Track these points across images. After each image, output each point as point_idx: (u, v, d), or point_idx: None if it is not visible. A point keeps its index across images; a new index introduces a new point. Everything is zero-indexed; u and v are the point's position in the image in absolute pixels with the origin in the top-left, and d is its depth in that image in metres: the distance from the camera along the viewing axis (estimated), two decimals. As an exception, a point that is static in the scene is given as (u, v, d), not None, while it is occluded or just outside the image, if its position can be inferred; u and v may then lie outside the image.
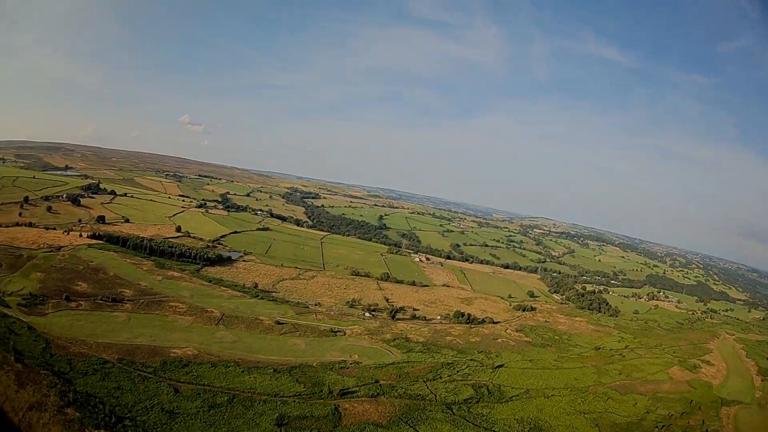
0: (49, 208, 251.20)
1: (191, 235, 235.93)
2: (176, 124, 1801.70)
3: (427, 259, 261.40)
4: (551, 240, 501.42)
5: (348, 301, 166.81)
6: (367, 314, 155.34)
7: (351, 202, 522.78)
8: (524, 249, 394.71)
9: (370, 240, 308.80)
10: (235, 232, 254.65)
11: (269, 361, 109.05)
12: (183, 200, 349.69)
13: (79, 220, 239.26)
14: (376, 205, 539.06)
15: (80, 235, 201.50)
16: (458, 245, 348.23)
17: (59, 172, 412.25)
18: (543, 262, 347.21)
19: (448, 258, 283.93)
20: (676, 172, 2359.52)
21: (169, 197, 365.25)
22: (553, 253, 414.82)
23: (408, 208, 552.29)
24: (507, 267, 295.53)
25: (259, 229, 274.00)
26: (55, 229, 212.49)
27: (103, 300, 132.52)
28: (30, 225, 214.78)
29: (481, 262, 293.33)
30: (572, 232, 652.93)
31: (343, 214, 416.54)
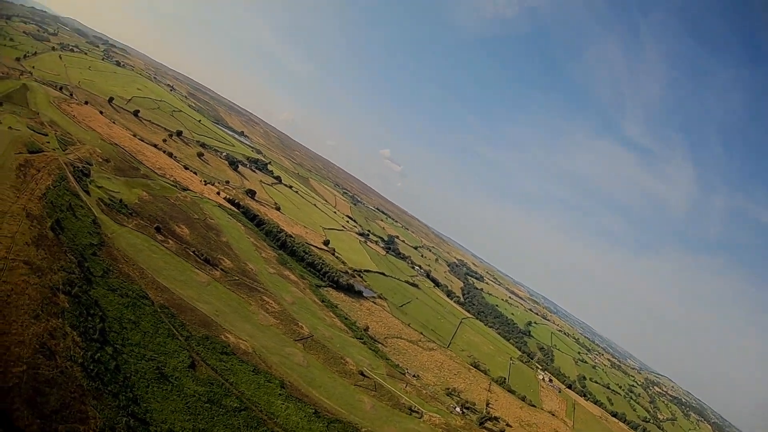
0: (200, 154, 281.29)
1: (336, 254, 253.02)
2: (376, 154, 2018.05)
3: (550, 380, 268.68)
4: (663, 401, 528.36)
5: (448, 388, 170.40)
6: (457, 409, 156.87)
7: (510, 297, 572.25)
8: (638, 403, 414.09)
9: (508, 340, 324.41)
10: (382, 274, 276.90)
11: (319, 401, 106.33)
12: (348, 221, 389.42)
13: (227, 181, 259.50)
14: (530, 309, 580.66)
15: (218, 193, 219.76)
16: (584, 378, 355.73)
17: (231, 133, 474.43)
18: (647, 421, 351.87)
19: (569, 387, 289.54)
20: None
21: (335, 212, 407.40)
22: (659, 416, 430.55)
23: (557, 325, 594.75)
24: (614, 415, 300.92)
25: (407, 282, 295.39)
26: (195, 173, 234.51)
27: (196, 253, 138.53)
28: (169, 155, 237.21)
29: (596, 402, 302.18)
30: (683, 400, 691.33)
31: (497, 305, 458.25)
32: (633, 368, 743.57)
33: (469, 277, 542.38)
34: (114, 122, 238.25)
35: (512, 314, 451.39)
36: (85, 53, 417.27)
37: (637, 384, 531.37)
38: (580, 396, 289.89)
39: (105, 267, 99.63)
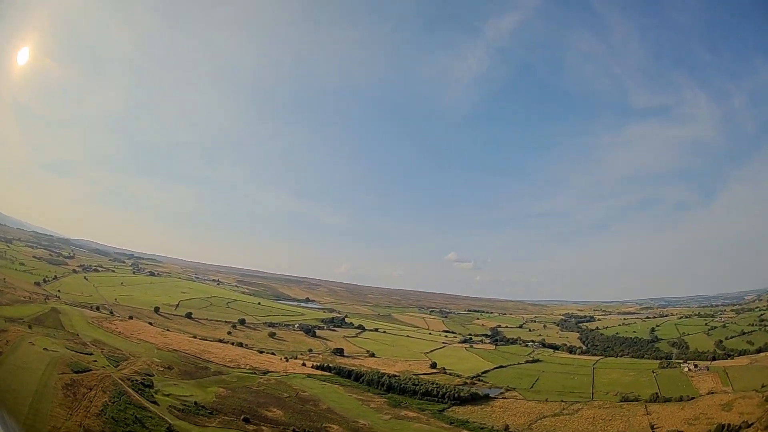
0: (272, 334, 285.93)
1: (447, 371, 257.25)
2: (443, 262, 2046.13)
3: (695, 366, 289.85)
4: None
5: None
6: None
7: (624, 319, 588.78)
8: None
9: (641, 357, 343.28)
10: (501, 367, 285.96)
11: None
12: (446, 336, 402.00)
13: (309, 350, 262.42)
14: (647, 317, 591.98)
15: (303, 365, 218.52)
16: (721, 341, 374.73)
17: (296, 303, 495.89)
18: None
19: (713, 359, 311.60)
20: None
21: (430, 333, 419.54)
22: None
23: (676, 314, 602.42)
24: (760, 350, 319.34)
25: (527, 362, 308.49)
26: (273, 354, 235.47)
27: (296, 431, 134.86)
28: (239, 345, 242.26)
29: (741, 353, 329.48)
30: None
31: (616, 333, 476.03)
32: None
33: (581, 324, 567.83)
34: (168, 329, 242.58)
35: (634, 332, 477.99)
36: (113, 270, 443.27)
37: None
38: (725, 360, 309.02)
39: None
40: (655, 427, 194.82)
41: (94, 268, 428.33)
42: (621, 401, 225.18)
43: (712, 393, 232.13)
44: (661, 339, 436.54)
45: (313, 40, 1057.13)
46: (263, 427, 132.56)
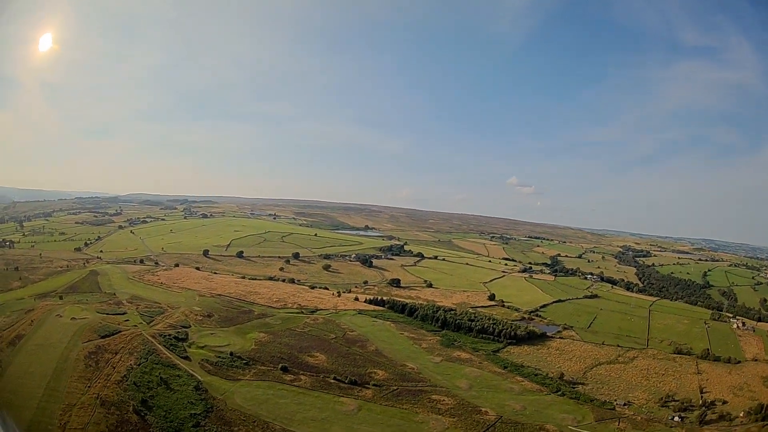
0: (326, 267, 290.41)
1: (506, 304, 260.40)
2: (504, 187, 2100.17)
3: (743, 324, 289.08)
4: None
5: (661, 398, 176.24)
6: (675, 418, 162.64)
7: (679, 258, 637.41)
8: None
9: (695, 303, 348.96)
10: (559, 301, 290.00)
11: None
12: (506, 264, 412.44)
13: (365, 282, 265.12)
14: (700, 260, 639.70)
15: (355, 299, 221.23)
16: (765, 300, 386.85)
17: (354, 232, 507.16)
18: None
19: (759, 320, 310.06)
20: None
21: (490, 260, 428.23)
22: None
23: (727, 260, 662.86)
24: None
25: (586, 297, 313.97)
26: (326, 288, 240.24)
27: (338, 379, 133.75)
28: (291, 281, 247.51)
29: None
30: None
31: (671, 273, 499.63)
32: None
33: (638, 259, 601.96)
34: (215, 272, 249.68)
35: (688, 273, 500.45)
36: (163, 219, 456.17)
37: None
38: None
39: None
40: (704, 390, 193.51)
41: (142, 220, 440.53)
42: (674, 353, 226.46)
43: (756, 360, 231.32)
44: (713, 285, 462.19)
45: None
46: (302, 376, 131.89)
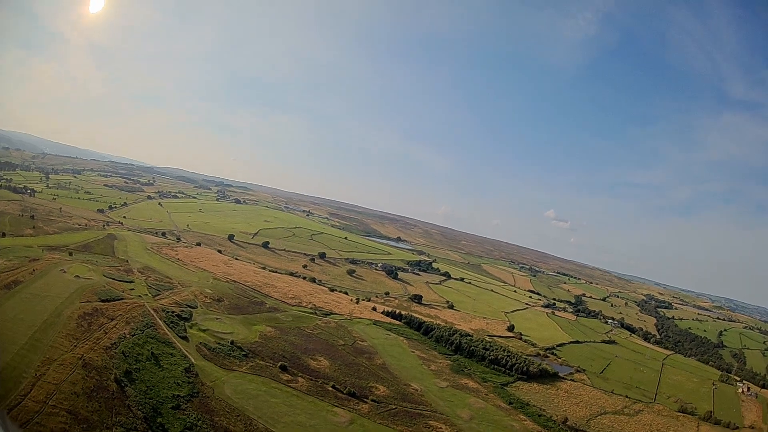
0: (351, 272, 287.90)
1: (523, 337, 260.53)
2: (541, 218, 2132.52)
3: (748, 389, 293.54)
4: None
5: None
6: None
7: (698, 314, 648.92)
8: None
9: (707, 362, 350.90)
10: (577, 342, 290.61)
11: None
12: (530, 297, 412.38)
13: (386, 293, 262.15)
14: (718, 318, 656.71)
15: (373, 309, 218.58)
16: None
17: (385, 242, 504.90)
18: None
19: (763, 386, 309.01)
20: None
21: (516, 291, 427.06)
22: None
23: (742, 322, 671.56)
24: None
25: (603, 341, 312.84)
26: (346, 293, 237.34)
27: (336, 388, 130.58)
28: (311, 280, 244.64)
29: None
30: None
31: (689, 328, 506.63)
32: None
33: (659, 309, 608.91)
34: (236, 258, 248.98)
35: (704, 331, 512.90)
36: (194, 197, 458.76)
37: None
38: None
39: (189, 423, 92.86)
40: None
41: (173, 194, 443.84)
42: (679, 411, 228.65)
43: (752, 428, 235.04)
44: (726, 346, 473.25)
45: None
46: (300, 378, 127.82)
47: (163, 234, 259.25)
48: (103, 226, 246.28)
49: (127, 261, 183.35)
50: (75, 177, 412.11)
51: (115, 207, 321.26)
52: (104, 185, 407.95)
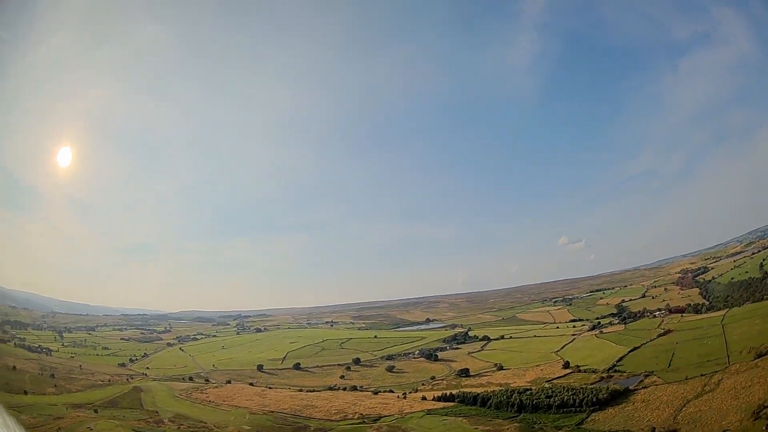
0: (390, 368, 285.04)
1: (581, 368, 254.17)
2: (556, 247, 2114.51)
3: None
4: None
5: (753, 411, 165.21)
6: None
7: (734, 261, 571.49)
8: None
9: (761, 300, 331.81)
10: (634, 349, 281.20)
11: None
12: (573, 326, 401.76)
13: (432, 378, 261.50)
14: (753, 253, 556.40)
15: (423, 398, 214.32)
16: None
17: (415, 328, 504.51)
18: None
19: None
20: None
21: (557, 326, 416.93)
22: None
23: None
24: None
25: (659, 335, 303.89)
26: (391, 391, 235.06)
27: None
28: (353, 389, 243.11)
29: None
30: None
31: (732, 278, 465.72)
32: None
33: (697, 278, 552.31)
34: (270, 387, 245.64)
35: (746, 272, 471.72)
36: (213, 335, 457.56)
37: None
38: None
39: None
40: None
41: (192, 337, 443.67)
42: (756, 358, 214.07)
43: None
44: None
45: (369, 69, 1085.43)
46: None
47: (190, 378, 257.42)
48: (127, 379, 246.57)
49: (157, 412, 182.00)
50: (90, 334, 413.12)
51: (136, 359, 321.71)
52: (121, 339, 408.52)
